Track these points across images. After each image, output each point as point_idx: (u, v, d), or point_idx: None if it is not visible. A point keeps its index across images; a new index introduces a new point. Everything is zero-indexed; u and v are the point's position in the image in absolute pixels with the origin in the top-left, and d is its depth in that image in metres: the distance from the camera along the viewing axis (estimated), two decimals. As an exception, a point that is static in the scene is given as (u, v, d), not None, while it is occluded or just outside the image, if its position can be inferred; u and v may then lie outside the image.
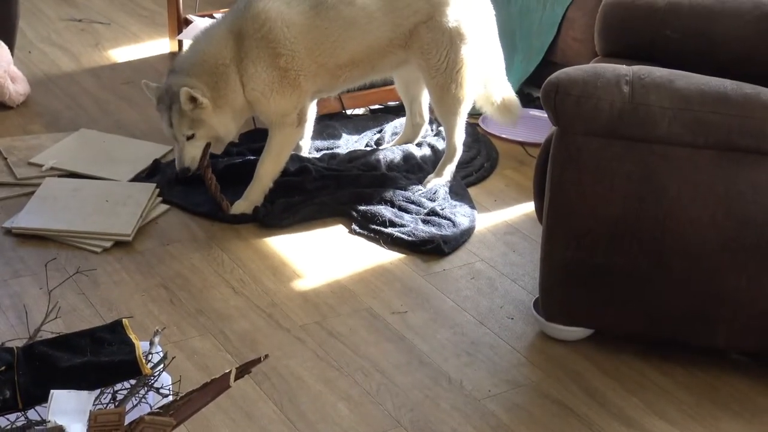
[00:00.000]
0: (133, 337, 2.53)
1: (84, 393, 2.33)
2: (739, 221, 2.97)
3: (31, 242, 3.70)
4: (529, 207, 4.05)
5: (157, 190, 4.01)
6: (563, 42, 4.76)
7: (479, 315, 3.45)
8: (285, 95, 3.87)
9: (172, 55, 5.31)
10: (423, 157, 4.35)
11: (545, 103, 3.05)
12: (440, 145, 4.41)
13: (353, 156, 4.32)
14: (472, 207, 4.07)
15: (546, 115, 3.17)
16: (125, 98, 4.85)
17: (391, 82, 4.49)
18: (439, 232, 3.82)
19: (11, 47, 4.76)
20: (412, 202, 4.00)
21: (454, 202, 4.05)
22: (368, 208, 3.94)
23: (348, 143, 4.50)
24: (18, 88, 4.69)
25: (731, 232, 2.98)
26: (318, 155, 4.35)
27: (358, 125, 4.68)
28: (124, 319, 2.59)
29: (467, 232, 3.90)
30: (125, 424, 2.20)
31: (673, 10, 3.62)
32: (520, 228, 3.97)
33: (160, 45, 5.49)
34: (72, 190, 3.94)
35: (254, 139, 4.41)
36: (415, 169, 4.28)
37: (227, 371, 2.34)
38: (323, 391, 3.06)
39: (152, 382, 2.49)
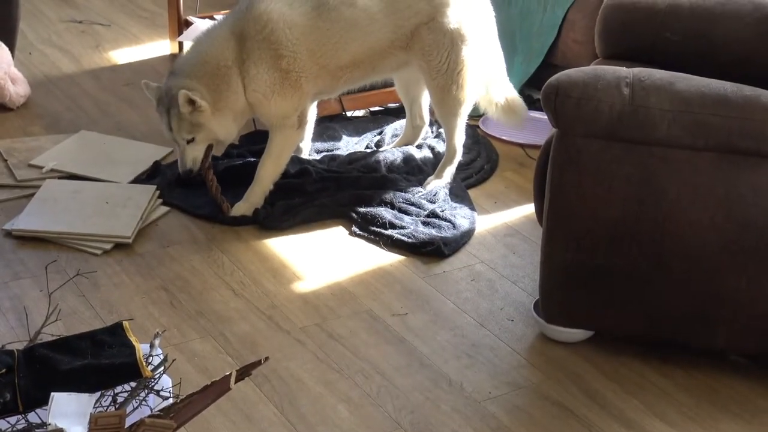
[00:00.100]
0: (133, 339, 2.53)
1: (84, 396, 2.33)
2: (739, 224, 2.97)
3: (31, 244, 3.70)
4: (529, 209, 4.05)
5: (158, 192, 4.01)
6: (563, 44, 4.76)
7: (479, 317, 3.45)
8: (286, 97, 3.87)
9: (173, 57, 5.31)
10: (423, 159, 4.35)
11: (545, 105, 3.05)
12: (440, 146, 4.41)
13: (353, 158, 4.32)
14: (472, 209, 4.07)
15: (546, 117, 3.17)
16: (125, 100, 4.85)
17: (392, 84, 4.49)
18: (439, 234, 3.82)
19: (12, 49, 4.76)
20: (412, 204, 4.00)
21: (454, 204, 4.05)
22: (368, 209, 3.94)
23: (348, 145, 4.50)
24: (18, 89, 4.69)
25: (731, 234, 2.98)
26: (318, 157, 4.35)
27: (358, 127, 4.68)
28: (124, 322, 2.59)
29: (467, 234, 3.90)
30: (126, 426, 2.20)
31: (673, 13, 3.62)
32: (520, 230, 3.97)
33: (161, 46, 5.49)
34: (72, 192, 3.94)
35: (254, 140, 4.41)
36: (415, 171, 4.28)
37: (227, 374, 2.34)
38: (323, 393, 3.06)
39: (153, 384, 2.49)
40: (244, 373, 2.37)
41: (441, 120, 4.20)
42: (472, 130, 4.48)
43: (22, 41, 5.22)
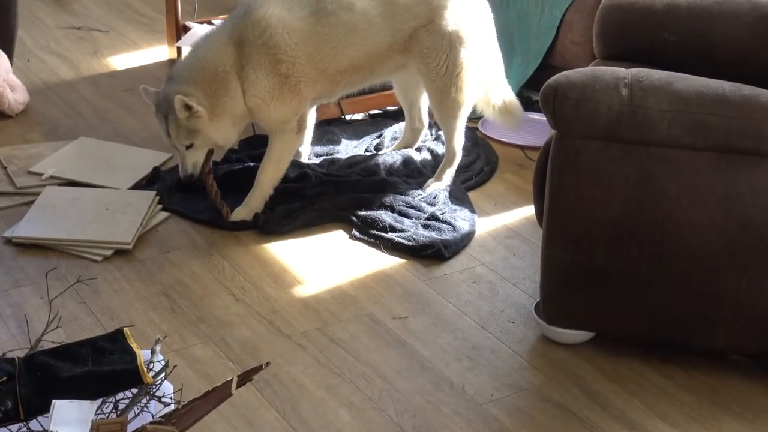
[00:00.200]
0: (134, 345, 2.53)
1: (86, 403, 2.34)
2: (738, 223, 2.97)
3: (31, 251, 3.70)
4: (529, 210, 4.05)
5: (157, 197, 4.01)
6: (561, 45, 4.76)
7: (480, 319, 3.45)
8: (285, 102, 3.87)
9: (171, 62, 5.31)
10: (422, 162, 4.35)
11: (544, 106, 3.05)
12: (440, 149, 4.41)
13: (353, 161, 4.32)
14: (472, 211, 4.07)
15: (545, 119, 3.17)
16: (124, 106, 4.86)
17: (390, 87, 4.49)
18: (440, 237, 3.82)
19: (10, 56, 4.76)
20: (412, 207, 4.00)
21: (454, 207, 4.05)
22: (368, 213, 3.94)
23: (347, 148, 4.50)
24: (17, 96, 4.69)
25: (731, 234, 2.98)
26: (317, 161, 4.35)
27: (357, 130, 4.68)
28: (125, 328, 2.60)
29: (467, 237, 3.90)
30: (127, 433, 2.21)
31: (671, 13, 3.62)
32: (521, 232, 3.97)
33: (159, 52, 5.49)
34: (72, 199, 3.94)
35: (254, 145, 4.41)
36: (415, 174, 4.28)
37: (229, 379, 2.34)
38: (325, 397, 3.06)
39: (154, 390, 2.50)
40: (245, 378, 2.37)
41: (440, 122, 4.20)
42: (472, 132, 4.48)
43: (21, 48, 5.23)
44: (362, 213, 3.95)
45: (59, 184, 4.09)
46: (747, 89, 2.99)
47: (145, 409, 2.46)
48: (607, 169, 3.01)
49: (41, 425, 2.38)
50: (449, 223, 3.91)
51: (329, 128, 4.62)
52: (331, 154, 4.44)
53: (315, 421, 2.96)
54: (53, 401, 2.30)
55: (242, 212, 3.93)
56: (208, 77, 3.78)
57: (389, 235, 3.84)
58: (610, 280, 3.12)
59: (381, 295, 3.56)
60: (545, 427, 2.99)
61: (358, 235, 3.88)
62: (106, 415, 2.39)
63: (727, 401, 3.11)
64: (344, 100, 4.58)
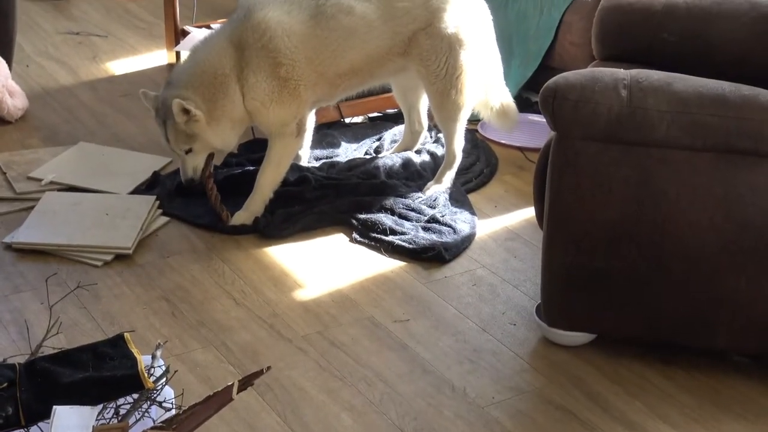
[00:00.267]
0: (134, 351, 2.53)
1: (86, 408, 2.33)
2: (738, 224, 2.97)
3: (31, 257, 3.70)
4: (529, 212, 4.04)
5: (157, 202, 4.00)
6: (560, 46, 4.76)
7: (481, 322, 3.45)
8: (285, 105, 3.87)
9: (170, 67, 5.31)
10: (422, 164, 4.35)
11: (543, 108, 3.05)
12: (439, 151, 4.41)
13: (352, 164, 4.32)
14: (473, 213, 4.07)
15: (544, 120, 3.16)
16: (123, 111, 4.85)
17: (390, 90, 4.48)
18: (440, 239, 3.82)
19: (9, 61, 4.75)
20: (412, 210, 4.00)
21: (455, 209, 4.05)
22: (368, 216, 3.94)
23: (347, 152, 4.50)
24: (16, 102, 4.69)
25: (730, 234, 2.98)
26: (317, 164, 4.34)
27: (357, 133, 4.68)
28: (125, 334, 2.60)
29: (468, 239, 3.89)
30: (128, 438, 2.20)
31: (669, 13, 3.62)
32: (521, 234, 3.97)
33: (158, 57, 5.49)
34: (71, 204, 3.94)
35: (253, 149, 4.41)
36: (415, 177, 4.28)
37: (230, 384, 2.34)
38: (326, 401, 3.06)
39: (155, 396, 2.50)
40: (246, 383, 2.37)
41: (440, 125, 4.20)
42: (471, 135, 4.48)
43: (20, 54, 5.22)
44: (362, 216, 3.94)
45: (59, 190, 4.09)
46: (746, 89, 2.99)
47: (146, 414, 2.46)
48: (607, 170, 3.01)
49: (42, 431, 2.37)
50: (449, 226, 3.90)
51: (329, 131, 4.62)
52: (331, 157, 4.44)
53: (316, 425, 2.96)
54: (54, 407, 2.29)
55: (242, 216, 3.93)
56: (206, 81, 3.78)
57: (389, 238, 3.83)
58: (610, 281, 3.11)
59: (381, 299, 3.55)
60: (547, 430, 2.99)
61: (359, 238, 3.88)
62: (107, 420, 2.39)
63: (728, 402, 3.11)
64: (343, 103, 4.58)
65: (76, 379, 2.40)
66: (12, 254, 3.71)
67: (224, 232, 3.90)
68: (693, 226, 2.99)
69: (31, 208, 3.93)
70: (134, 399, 2.46)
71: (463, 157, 4.27)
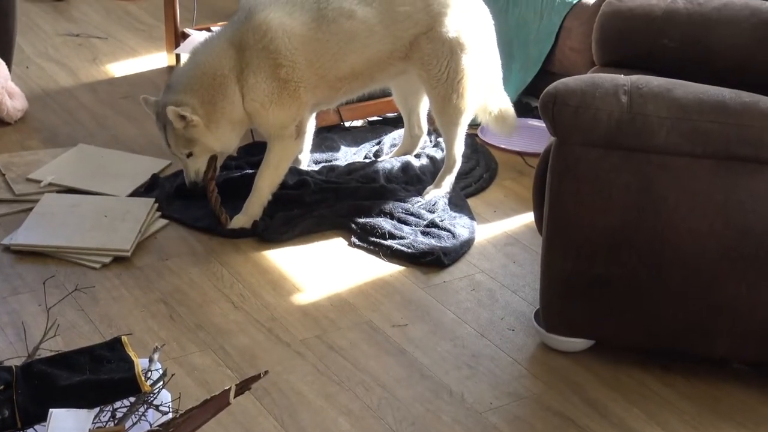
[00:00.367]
0: (132, 354, 2.53)
1: (83, 411, 2.33)
2: (737, 230, 2.96)
3: (30, 259, 3.69)
4: (528, 217, 4.04)
5: (156, 204, 4.00)
6: (560, 52, 4.76)
7: (480, 327, 3.44)
8: (284, 106, 3.86)
9: (170, 69, 5.31)
10: (422, 169, 4.34)
11: (543, 113, 3.05)
12: (439, 156, 4.40)
13: (352, 168, 4.31)
14: (472, 218, 4.06)
15: (544, 125, 3.16)
16: (123, 113, 4.85)
17: (390, 94, 4.48)
18: (439, 244, 3.82)
19: (9, 63, 4.75)
20: (412, 214, 4.00)
21: (454, 214, 4.04)
22: (367, 220, 3.94)
23: (346, 155, 4.50)
24: (16, 104, 4.69)
25: (730, 241, 2.97)
26: (317, 168, 4.34)
27: (356, 137, 4.67)
28: (123, 337, 2.59)
29: (467, 244, 3.89)
30: (125, 442, 2.20)
31: (670, 19, 3.62)
32: (520, 239, 3.96)
33: (158, 59, 5.48)
34: (70, 206, 3.94)
35: (252, 152, 4.40)
36: (414, 181, 4.28)
37: (227, 388, 2.33)
38: (324, 405, 3.05)
39: (152, 399, 2.49)
40: (243, 387, 2.36)
41: (441, 129, 4.19)
42: (471, 139, 4.48)
43: (19, 55, 5.22)
44: (361, 220, 3.94)
45: (58, 192, 4.09)
46: (747, 96, 2.99)
47: (143, 417, 2.45)
48: (607, 176, 3.00)
49: (38, 434, 2.37)
50: (449, 230, 3.90)
51: (328, 135, 4.61)
52: (330, 161, 4.43)
53: (314, 430, 2.95)
54: (50, 410, 2.29)
55: (241, 220, 3.92)
56: (206, 83, 3.77)
57: (388, 242, 3.83)
58: (609, 287, 3.11)
59: (380, 303, 3.55)
60: (545, 436, 2.99)
61: (358, 243, 3.87)
62: (104, 424, 2.38)
63: (728, 410, 3.10)
64: (343, 107, 4.58)
65: (73, 382, 2.40)
66: (10, 256, 3.70)
67: (223, 235, 3.90)
68: (693, 232, 2.98)
69: (30, 209, 3.93)
70: (131, 402, 2.45)
71: (462, 162, 4.26)
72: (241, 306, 3.50)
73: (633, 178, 2.99)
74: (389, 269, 3.74)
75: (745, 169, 2.95)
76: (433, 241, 3.83)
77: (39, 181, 4.13)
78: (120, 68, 5.38)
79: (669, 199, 2.98)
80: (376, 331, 3.40)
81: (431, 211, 4.02)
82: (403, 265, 3.76)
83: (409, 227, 3.93)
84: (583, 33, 4.59)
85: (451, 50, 3.98)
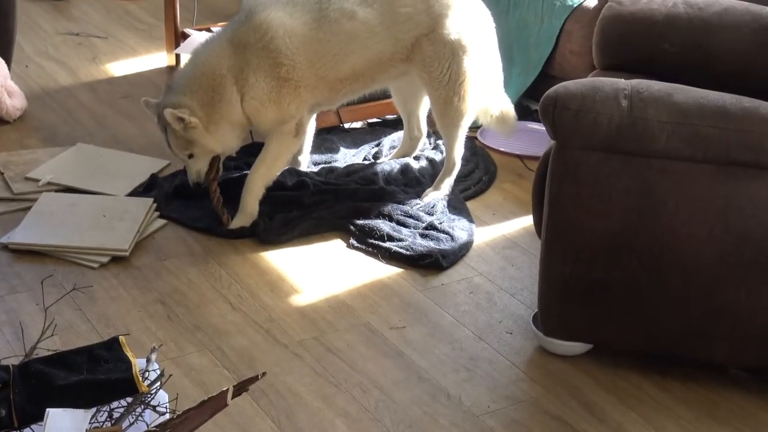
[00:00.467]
0: (129, 354, 2.52)
1: (80, 411, 2.32)
2: (737, 235, 2.96)
3: (28, 258, 3.68)
4: (527, 221, 4.04)
5: (155, 204, 3.99)
6: (561, 55, 4.76)
7: (478, 330, 3.44)
8: (283, 105, 3.86)
9: (170, 69, 5.31)
10: (421, 171, 4.34)
11: (543, 117, 3.05)
12: (438, 158, 4.40)
13: (351, 170, 4.31)
14: (471, 221, 4.06)
15: (544, 128, 3.16)
16: (122, 112, 4.84)
17: (389, 96, 4.48)
18: (438, 247, 3.81)
19: (8, 62, 4.75)
20: (410, 216, 3.99)
21: (453, 216, 4.04)
22: (366, 222, 3.93)
23: (346, 157, 4.49)
24: (15, 102, 4.68)
25: (730, 246, 2.97)
26: (316, 169, 4.34)
27: (355, 139, 4.67)
28: (120, 337, 2.59)
29: (465, 246, 3.88)
30: (121, 443, 2.19)
31: (671, 24, 3.62)
32: (519, 242, 3.96)
33: (158, 59, 5.48)
34: (69, 205, 3.93)
35: (252, 153, 4.38)
36: (413, 183, 4.27)
37: (224, 389, 2.32)
38: (321, 407, 3.05)
39: (149, 399, 2.49)
40: (241, 388, 2.35)
41: (442, 131, 4.18)
42: (470, 142, 4.47)
43: (19, 54, 5.21)
44: (360, 222, 3.93)
45: (56, 191, 4.08)
46: (747, 101, 2.99)
47: (140, 418, 2.44)
48: (607, 180, 3.00)
49: (35, 433, 2.37)
50: (447, 233, 3.90)
51: (328, 137, 4.61)
52: (330, 162, 4.43)
53: (311, 431, 2.95)
54: (47, 409, 2.28)
55: (240, 219, 3.91)
56: (205, 84, 3.77)
57: (387, 244, 3.82)
58: (609, 292, 3.11)
59: (378, 305, 3.54)
60: (542, 439, 2.98)
61: (356, 244, 3.87)
62: (101, 424, 2.38)
63: (726, 415, 3.09)
64: (343, 108, 4.57)
65: (70, 382, 2.39)
66: (8, 255, 3.70)
67: (222, 235, 3.89)
68: (693, 237, 2.98)
69: (29, 208, 3.92)
70: (128, 402, 2.45)
71: (462, 165, 4.26)
72: (239, 307, 3.50)
73: (633, 182, 2.98)
74: (387, 271, 3.74)
75: (746, 174, 2.94)
76: (431, 244, 3.83)
77: (37, 180, 4.13)
78: (120, 68, 5.38)
79: (669, 204, 2.97)
80: (373, 333, 3.39)
81: (430, 214, 4.02)
82: (401, 268, 3.76)
83: (407, 229, 3.92)
84: (583, 36, 4.59)
85: (453, 52, 3.97)
